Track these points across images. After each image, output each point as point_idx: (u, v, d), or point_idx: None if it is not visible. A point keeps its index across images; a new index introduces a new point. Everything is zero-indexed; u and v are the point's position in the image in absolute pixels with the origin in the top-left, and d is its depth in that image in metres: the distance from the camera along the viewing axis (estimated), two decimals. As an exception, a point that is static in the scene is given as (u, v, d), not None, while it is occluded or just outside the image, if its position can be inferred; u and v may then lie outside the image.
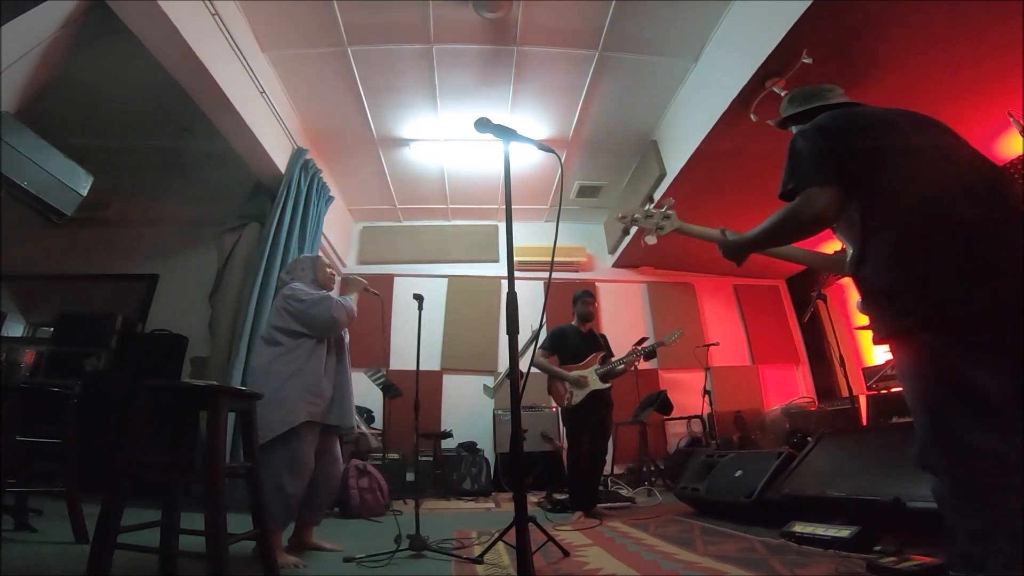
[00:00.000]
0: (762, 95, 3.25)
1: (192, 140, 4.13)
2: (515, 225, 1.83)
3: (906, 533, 1.90)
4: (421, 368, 2.77)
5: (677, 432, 5.45)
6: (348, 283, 2.53)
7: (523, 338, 5.17)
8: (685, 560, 1.97)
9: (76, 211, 2.81)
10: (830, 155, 1.16)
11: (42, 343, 4.76)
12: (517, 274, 1.74)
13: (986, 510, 0.91)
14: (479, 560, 2.03)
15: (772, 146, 3.59)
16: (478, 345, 5.77)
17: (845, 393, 4.12)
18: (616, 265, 6.25)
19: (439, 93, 4.25)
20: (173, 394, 1.76)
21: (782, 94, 3.09)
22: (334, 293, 2.48)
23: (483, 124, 1.77)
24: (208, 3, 3.05)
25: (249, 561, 1.91)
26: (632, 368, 3.49)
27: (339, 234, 5.75)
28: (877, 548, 1.85)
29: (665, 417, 5.27)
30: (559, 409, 4.07)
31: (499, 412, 5.10)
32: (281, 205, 3.98)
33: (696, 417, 5.16)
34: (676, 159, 4.38)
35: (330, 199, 4.87)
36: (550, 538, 2.17)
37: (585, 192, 5.78)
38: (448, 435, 4.83)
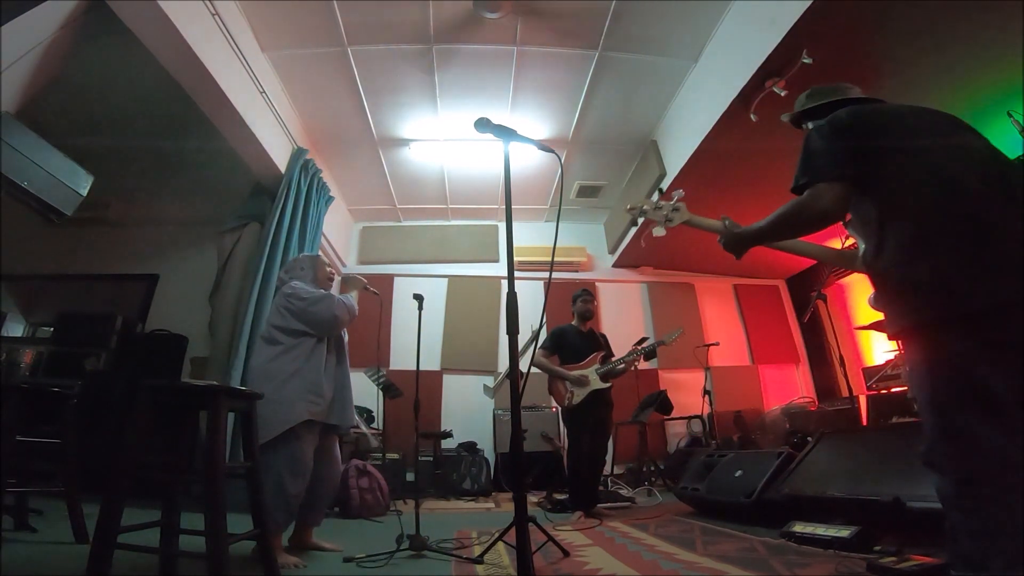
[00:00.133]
0: (762, 95, 3.25)
1: (192, 140, 4.12)
2: (515, 225, 1.83)
3: (906, 533, 1.89)
4: (421, 368, 2.77)
5: (677, 432, 5.44)
6: (348, 282, 2.53)
7: (523, 338, 5.17)
8: (685, 560, 1.97)
9: (76, 211, 2.81)
10: (844, 151, 1.16)
11: (42, 343, 4.76)
12: (517, 274, 1.74)
13: (988, 509, 0.91)
14: (479, 560, 2.03)
15: (772, 146, 3.64)
16: (478, 345, 5.77)
17: (845, 393, 4.12)
18: (616, 265, 6.25)
19: (439, 93, 4.25)
20: (173, 394, 1.76)
21: (782, 94, 3.10)
22: (334, 291, 2.48)
23: (483, 124, 1.77)
24: (208, 3, 3.05)
25: (249, 561, 1.91)
26: (632, 368, 3.48)
27: (339, 234, 5.75)
28: (877, 548, 1.85)
29: (665, 417, 5.26)
30: (559, 409, 4.06)
31: (499, 412, 5.10)
32: (281, 205, 3.98)
33: (696, 417, 5.16)
34: (676, 159, 4.38)
35: (330, 199, 4.87)
36: (550, 538, 2.17)
37: (585, 192, 5.78)
38: (448, 435, 4.83)
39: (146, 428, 1.59)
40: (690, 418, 5.25)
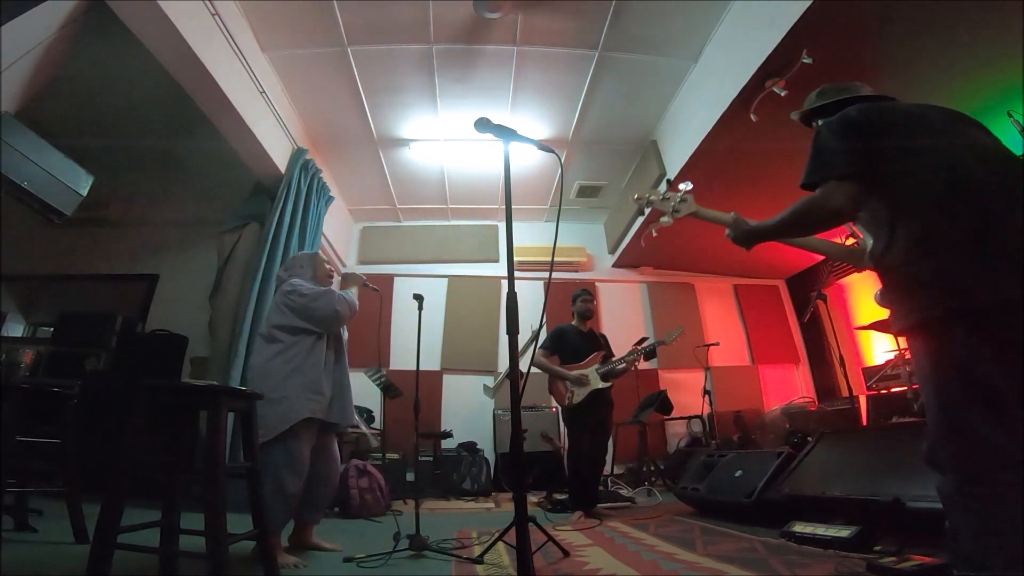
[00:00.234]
0: (762, 95, 3.25)
1: (192, 140, 4.12)
2: (515, 225, 1.83)
3: (906, 533, 1.89)
4: (421, 368, 2.77)
5: (677, 432, 5.44)
6: (347, 278, 2.53)
7: (523, 338, 5.17)
8: (685, 560, 1.97)
9: (76, 211, 2.81)
10: (855, 148, 1.16)
11: (42, 343, 4.76)
12: (517, 274, 1.74)
13: (989, 509, 0.91)
14: (479, 560, 2.03)
15: (773, 146, 3.64)
16: (478, 345, 5.77)
17: (845, 393, 4.12)
18: (616, 265, 6.25)
19: (439, 93, 4.25)
20: (173, 394, 1.76)
21: (782, 94, 3.10)
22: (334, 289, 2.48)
23: (483, 124, 1.77)
24: (208, 3, 3.05)
25: (249, 561, 1.91)
26: (633, 368, 3.48)
27: (339, 234, 5.75)
28: (877, 548, 1.85)
29: (665, 417, 5.26)
30: (559, 409, 4.07)
31: (499, 412, 5.11)
32: (281, 205, 3.98)
33: (696, 417, 5.16)
34: (676, 159, 4.38)
35: (330, 199, 4.87)
36: (550, 538, 2.17)
37: (585, 192, 5.78)
38: (448, 435, 4.83)
39: (146, 428, 1.59)
40: (690, 418, 5.24)
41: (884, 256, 1.14)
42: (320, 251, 2.51)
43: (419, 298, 2.77)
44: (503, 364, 5.65)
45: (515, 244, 1.79)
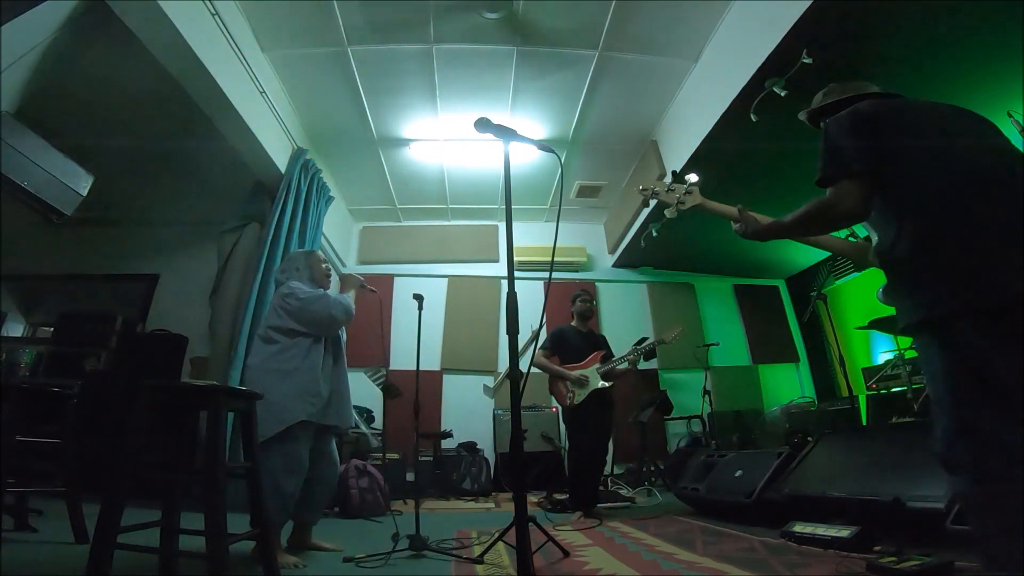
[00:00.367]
0: (762, 95, 3.24)
1: (192, 140, 4.12)
2: (515, 225, 1.83)
3: (906, 533, 1.90)
4: (421, 368, 2.77)
5: (677, 432, 5.45)
6: (345, 280, 2.51)
7: (523, 338, 5.18)
8: (685, 560, 1.97)
9: (76, 211, 2.81)
10: (866, 143, 1.15)
11: (42, 343, 4.76)
12: (517, 274, 1.74)
13: (1011, 507, 0.89)
14: (479, 560, 2.03)
15: (773, 146, 3.63)
16: (478, 345, 5.77)
17: (845, 393, 4.12)
18: (616, 265, 6.25)
19: (439, 93, 4.25)
20: (173, 394, 1.76)
21: (782, 94, 3.09)
22: (332, 290, 2.48)
23: (483, 124, 1.77)
24: (208, 3, 3.05)
25: (249, 561, 1.91)
26: (633, 367, 3.49)
27: (339, 234, 5.75)
28: (877, 548, 1.85)
29: (665, 417, 5.27)
30: (560, 409, 4.06)
31: (499, 412, 5.11)
32: (281, 205, 3.98)
33: (696, 417, 5.16)
34: (676, 159, 4.37)
35: (330, 199, 4.87)
36: (550, 538, 2.17)
37: (585, 192, 5.78)
38: (448, 435, 4.84)
39: (146, 428, 1.59)
40: (690, 418, 5.25)
41: (890, 252, 1.13)
42: (320, 251, 2.49)
43: (419, 298, 2.77)
44: (503, 364, 5.65)
45: (515, 244, 1.79)
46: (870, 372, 4.41)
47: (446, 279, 6.07)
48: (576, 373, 3.40)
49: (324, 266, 2.48)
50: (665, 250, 5.56)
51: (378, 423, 4.79)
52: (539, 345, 3.60)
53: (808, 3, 2.66)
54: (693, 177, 1.73)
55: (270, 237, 3.85)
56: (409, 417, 2.92)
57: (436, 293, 5.84)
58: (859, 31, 2.84)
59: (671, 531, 2.61)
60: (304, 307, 2.22)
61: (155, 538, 1.62)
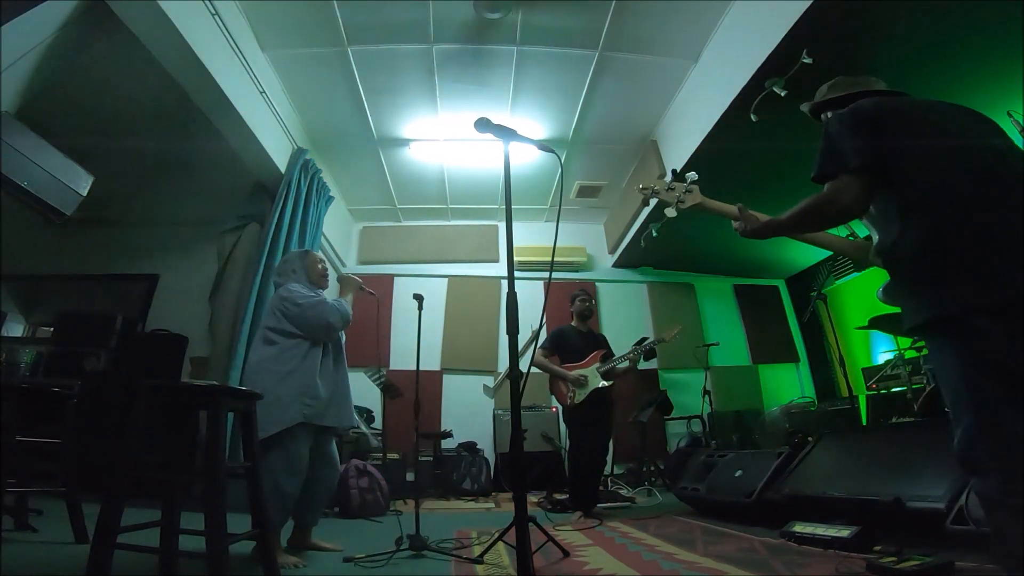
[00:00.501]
0: (762, 95, 3.25)
1: (192, 140, 4.12)
2: (515, 225, 1.83)
3: (906, 533, 1.90)
4: (421, 368, 2.77)
5: (677, 432, 5.45)
6: (344, 283, 2.51)
7: (523, 338, 5.18)
8: (685, 560, 1.97)
9: (76, 211, 2.81)
10: (867, 140, 1.14)
11: (42, 343, 4.76)
12: (517, 274, 1.73)
13: None
14: (479, 560, 2.03)
15: (773, 146, 3.63)
16: (478, 345, 5.77)
17: (845, 393, 4.12)
18: (616, 265, 6.25)
19: (439, 93, 4.25)
20: (173, 394, 1.75)
21: (782, 94, 3.09)
22: (331, 291, 2.47)
23: (483, 124, 1.77)
24: (208, 3, 3.05)
25: (249, 561, 1.91)
26: (633, 367, 3.49)
27: (339, 234, 5.75)
28: (877, 548, 1.85)
29: (665, 417, 5.27)
30: (560, 409, 4.06)
31: (499, 412, 5.11)
32: (281, 205, 3.98)
33: (696, 417, 5.16)
34: (676, 159, 4.37)
35: (330, 199, 4.87)
36: (550, 538, 2.17)
37: (585, 192, 5.78)
38: (448, 435, 4.84)
39: (146, 428, 1.59)
40: (690, 418, 5.25)
41: (894, 251, 1.11)
42: (320, 251, 2.49)
43: (419, 298, 2.77)
44: (503, 364, 5.65)
45: (515, 244, 1.78)
46: (870, 372, 4.41)
47: (446, 279, 6.07)
48: (575, 373, 3.40)
49: (321, 266, 2.47)
50: (665, 250, 5.56)
51: (378, 423, 4.79)
52: (539, 345, 3.60)
53: (808, 3, 2.66)
54: (693, 175, 1.72)
55: (270, 237, 3.85)
56: (409, 417, 2.92)
57: (436, 293, 5.84)
58: (859, 31, 2.84)
59: (671, 531, 2.61)
60: (302, 313, 2.22)
61: (155, 538, 1.62)
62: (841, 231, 1.49)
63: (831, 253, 5.40)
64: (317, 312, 2.23)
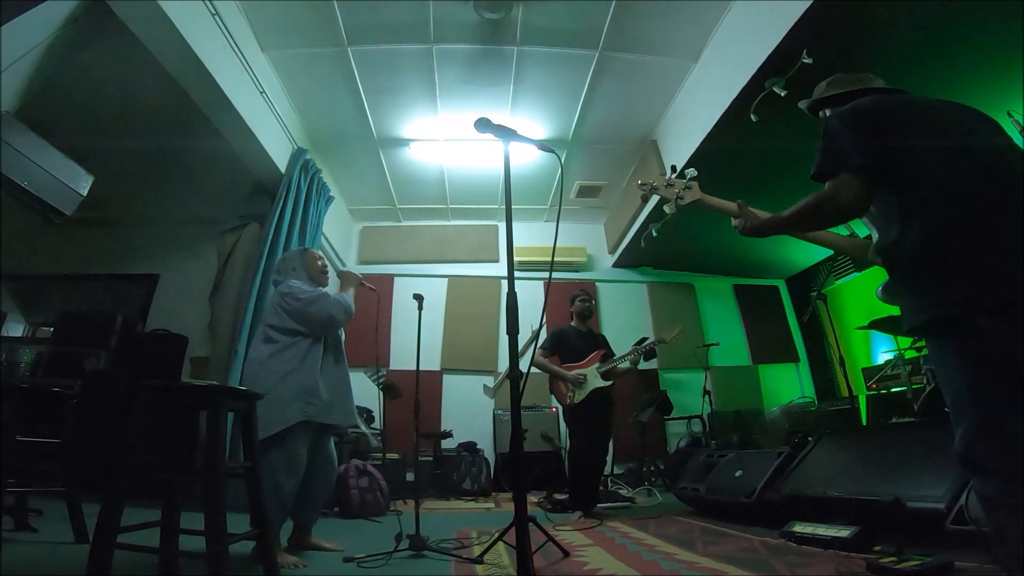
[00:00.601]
0: (762, 95, 3.25)
1: (192, 140, 4.12)
2: (515, 225, 1.83)
3: (906, 533, 1.90)
4: (421, 368, 2.77)
5: (677, 432, 5.44)
6: (344, 278, 2.50)
7: (523, 338, 5.17)
8: (685, 560, 1.97)
9: (76, 211, 2.81)
10: (868, 139, 1.13)
11: (42, 343, 4.76)
12: (517, 274, 1.73)
13: None
14: (479, 560, 2.03)
15: (773, 146, 3.63)
16: (478, 345, 5.77)
17: (845, 393, 4.12)
18: (616, 265, 6.25)
19: (439, 93, 4.25)
20: (173, 394, 1.75)
21: (782, 94, 3.09)
22: (331, 287, 2.47)
23: (483, 124, 1.77)
24: (208, 3, 3.05)
25: (249, 561, 1.91)
26: (633, 367, 3.49)
27: (339, 234, 5.75)
28: (877, 548, 1.85)
29: (665, 417, 5.27)
30: (560, 409, 4.06)
31: (499, 412, 5.11)
32: (281, 205, 3.98)
33: (696, 417, 5.16)
34: (676, 159, 4.37)
35: (330, 199, 4.87)
36: (550, 538, 2.17)
37: (585, 192, 5.78)
38: (448, 435, 4.84)
39: (146, 428, 1.59)
40: (690, 418, 5.25)
41: (894, 250, 1.11)
42: (320, 251, 2.48)
43: (419, 298, 2.77)
44: (503, 364, 5.65)
45: (515, 244, 1.78)
46: (870, 372, 4.41)
47: (446, 279, 6.07)
48: (574, 373, 3.40)
49: (320, 263, 2.47)
50: (665, 250, 5.56)
51: (378, 423, 4.79)
52: (539, 345, 3.60)
53: (808, 3, 2.66)
54: (692, 171, 1.72)
55: (270, 237, 3.85)
56: (409, 417, 2.92)
57: (436, 293, 5.84)
58: (859, 31, 2.84)
59: (671, 531, 2.61)
60: (303, 307, 2.21)
61: (155, 538, 1.62)
62: (841, 230, 1.48)
63: (831, 253, 5.40)
64: (319, 306, 2.23)
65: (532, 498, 3.87)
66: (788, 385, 5.96)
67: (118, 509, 1.47)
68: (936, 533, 1.72)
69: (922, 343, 3.43)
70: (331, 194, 4.89)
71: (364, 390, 4.44)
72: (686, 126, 4.19)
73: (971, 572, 1.55)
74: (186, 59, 2.95)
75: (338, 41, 3.70)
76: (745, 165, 4.05)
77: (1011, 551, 0.90)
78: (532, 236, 5.96)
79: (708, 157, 3.97)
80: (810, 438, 2.85)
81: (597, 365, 3.43)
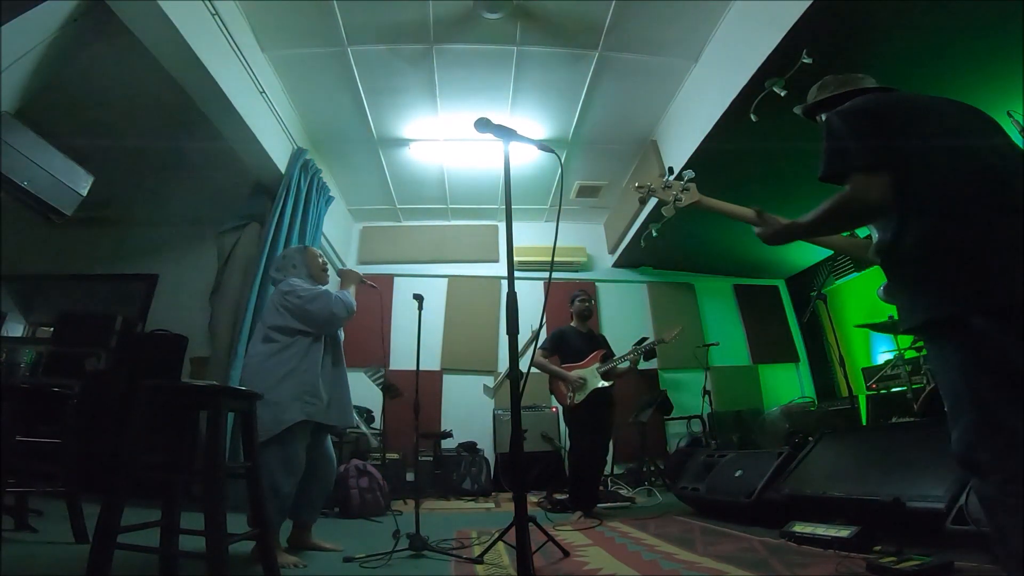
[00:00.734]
0: (762, 95, 3.25)
1: (192, 140, 4.12)
2: (515, 225, 1.83)
3: (906, 533, 1.90)
4: (421, 368, 2.77)
5: (677, 432, 5.45)
6: (345, 276, 2.49)
7: (523, 338, 5.18)
8: (685, 560, 1.97)
9: (76, 211, 2.81)
10: (876, 137, 1.11)
11: (42, 343, 4.76)
12: (517, 274, 1.73)
13: None
14: (479, 560, 2.03)
15: (773, 146, 3.63)
16: (478, 345, 5.77)
17: (845, 393, 4.12)
18: (616, 265, 6.25)
19: (439, 93, 4.25)
20: (173, 394, 1.75)
21: (782, 94, 3.09)
22: (331, 286, 2.46)
23: (483, 124, 1.77)
24: (208, 3, 3.05)
25: (249, 561, 1.91)
26: (633, 367, 3.49)
27: (339, 234, 5.75)
28: (877, 548, 1.85)
29: (665, 417, 5.27)
30: (559, 409, 4.06)
31: (499, 412, 5.11)
32: (281, 205, 3.98)
33: (696, 417, 5.16)
34: (676, 159, 4.37)
35: (330, 199, 4.87)
36: (550, 538, 2.17)
37: (585, 192, 5.78)
38: (448, 435, 4.84)
39: (146, 428, 1.59)
40: (690, 418, 5.25)
41: (894, 250, 1.10)
42: (320, 251, 2.47)
43: (419, 298, 2.77)
44: (503, 364, 5.65)
45: (515, 244, 1.78)
46: (870, 372, 4.41)
47: (446, 279, 6.07)
48: (574, 374, 3.40)
49: (320, 260, 2.46)
50: (665, 250, 5.56)
51: (378, 423, 4.79)
52: (539, 345, 3.60)
53: (808, 3, 2.66)
54: (690, 173, 1.71)
55: (270, 237, 3.85)
56: (409, 417, 2.92)
57: (436, 293, 5.84)
58: (859, 31, 2.84)
59: (671, 531, 2.61)
60: (304, 305, 2.21)
61: (155, 538, 1.62)
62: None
63: (831, 253, 5.40)
64: (320, 303, 2.22)
65: (532, 498, 3.87)
66: (788, 385, 5.97)
67: (118, 509, 1.47)
68: (936, 533, 1.72)
69: (922, 343, 3.43)
70: (331, 194, 4.89)
71: (364, 390, 4.45)
72: (686, 126, 4.19)
73: (971, 572, 1.55)
74: (186, 59, 2.95)
75: (338, 41, 3.70)
76: (745, 165, 4.05)
77: (1011, 551, 0.90)
78: (532, 236, 5.96)
79: (708, 157, 3.97)
80: (810, 438, 2.85)
81: (597, 365, 3.43)
